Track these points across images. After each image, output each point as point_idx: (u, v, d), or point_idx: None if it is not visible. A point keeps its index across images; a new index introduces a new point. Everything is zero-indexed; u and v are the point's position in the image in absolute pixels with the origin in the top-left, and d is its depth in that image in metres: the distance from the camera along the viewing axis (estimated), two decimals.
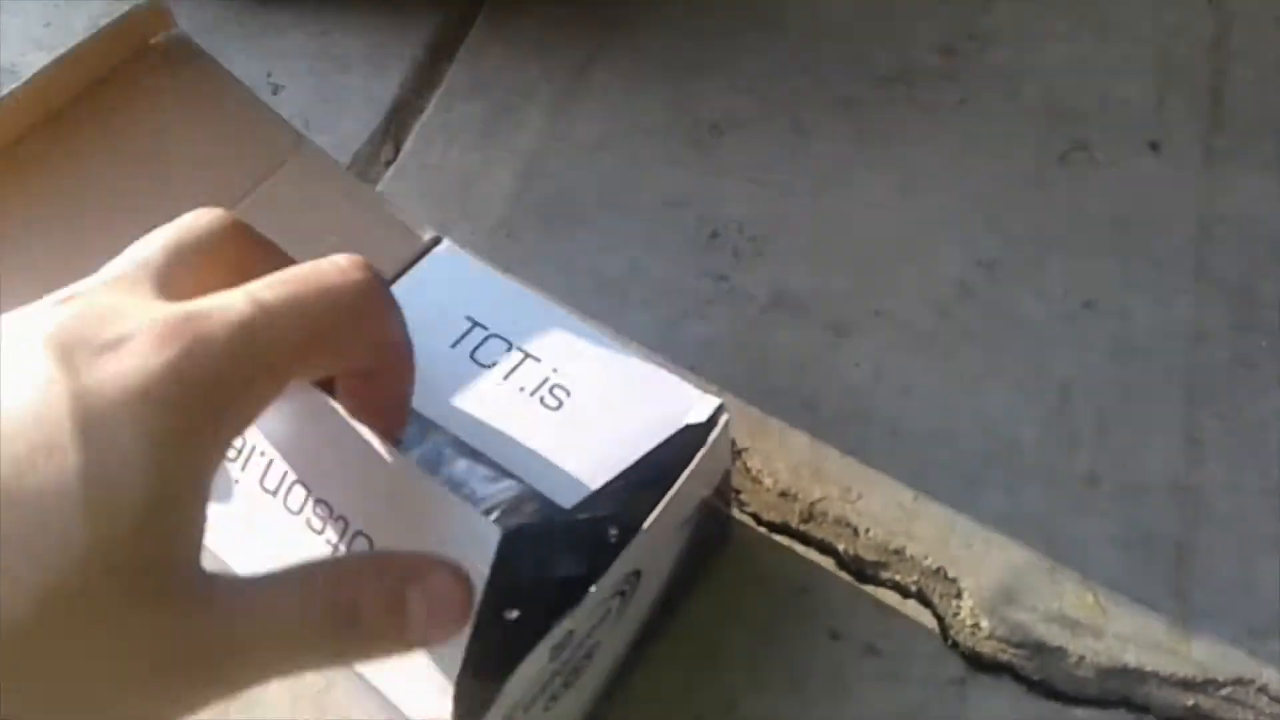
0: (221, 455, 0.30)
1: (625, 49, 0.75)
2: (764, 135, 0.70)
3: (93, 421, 0.27)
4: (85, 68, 0.50)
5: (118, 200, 0.48)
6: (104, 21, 0.82)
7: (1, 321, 0.30)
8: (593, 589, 0.40)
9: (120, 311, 0.30)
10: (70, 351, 0.28)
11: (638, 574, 0.44)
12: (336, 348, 0.33)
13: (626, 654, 0.49)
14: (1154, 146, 0.68)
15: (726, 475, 0.50)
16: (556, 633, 0.40)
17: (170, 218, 0.34)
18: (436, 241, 0.51)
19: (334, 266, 0.33)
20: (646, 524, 0.42)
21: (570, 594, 0.41)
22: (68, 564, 0.27)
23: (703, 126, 0.71)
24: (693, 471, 0.44)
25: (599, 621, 0.43)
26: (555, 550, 0.44)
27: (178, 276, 0.33)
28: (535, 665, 0.39)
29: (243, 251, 0.35)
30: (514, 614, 0.44)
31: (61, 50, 0.79)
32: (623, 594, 0.43)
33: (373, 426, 0.36)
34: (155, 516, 0.28)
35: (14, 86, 0.48)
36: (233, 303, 0.30)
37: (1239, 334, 0.60)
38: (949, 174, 0.68)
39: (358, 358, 0.35)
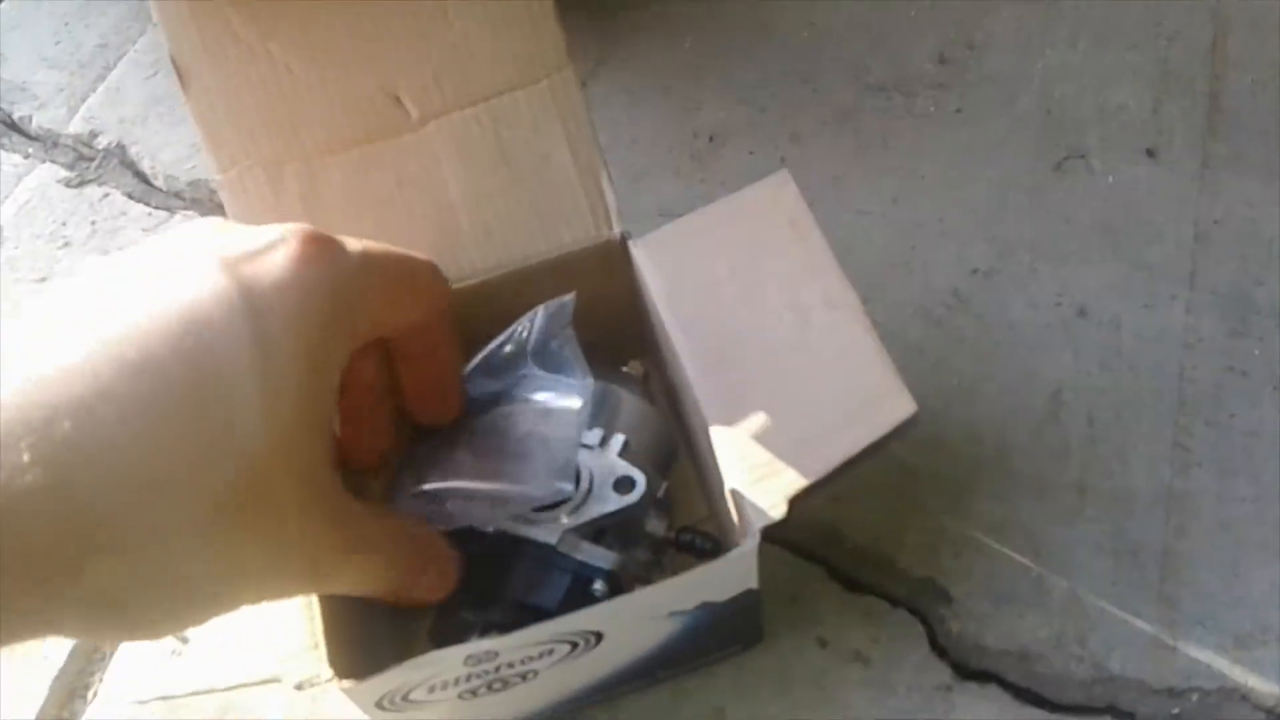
0: (344, 364, 0.36)
1: (624, 62, 0.76)
2: (760, 145, 0.71)
3: (256, 313, 0.32)
4: None
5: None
6: (114, 39, 0.84)
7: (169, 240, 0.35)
8: (521, 631, 0.41)
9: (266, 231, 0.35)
10: (232, 261, 0.33)
11: (599, 635, 0.44)
12: (411, 297, 0.40)
13: (592, 691, 0.50)
14: (1151, 153, 0.69)
15: (752, 593, 0.47)
16: (475, 647, 0.40)
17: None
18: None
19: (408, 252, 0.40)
20: (609, 600, 0.43)
21: (527, 619, 0.41)
22: (252, 466, 0.31)
23: (701, 137, 0.72)
24: (695, 575, 0.43)
25: (538, 656, 0.43)
26: (538, 576, 0.44)
27: None
28: (443, 662, 0.41)
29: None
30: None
31: (71, 68, 0.80)
32: (575, 645, 0.44)
33: (427, 408, 0.45)
34: (314, 412, 0.33)
35: None
36: (350, 241, 0.36)
37: (1232, 341, 0.61)
38: (944, 183, 0.68)
39: (420, 313, 0.41)
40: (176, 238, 0.35)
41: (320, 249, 0.34)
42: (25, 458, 0.27)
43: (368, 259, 0.36)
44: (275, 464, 0.31)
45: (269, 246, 0.34)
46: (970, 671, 0.53)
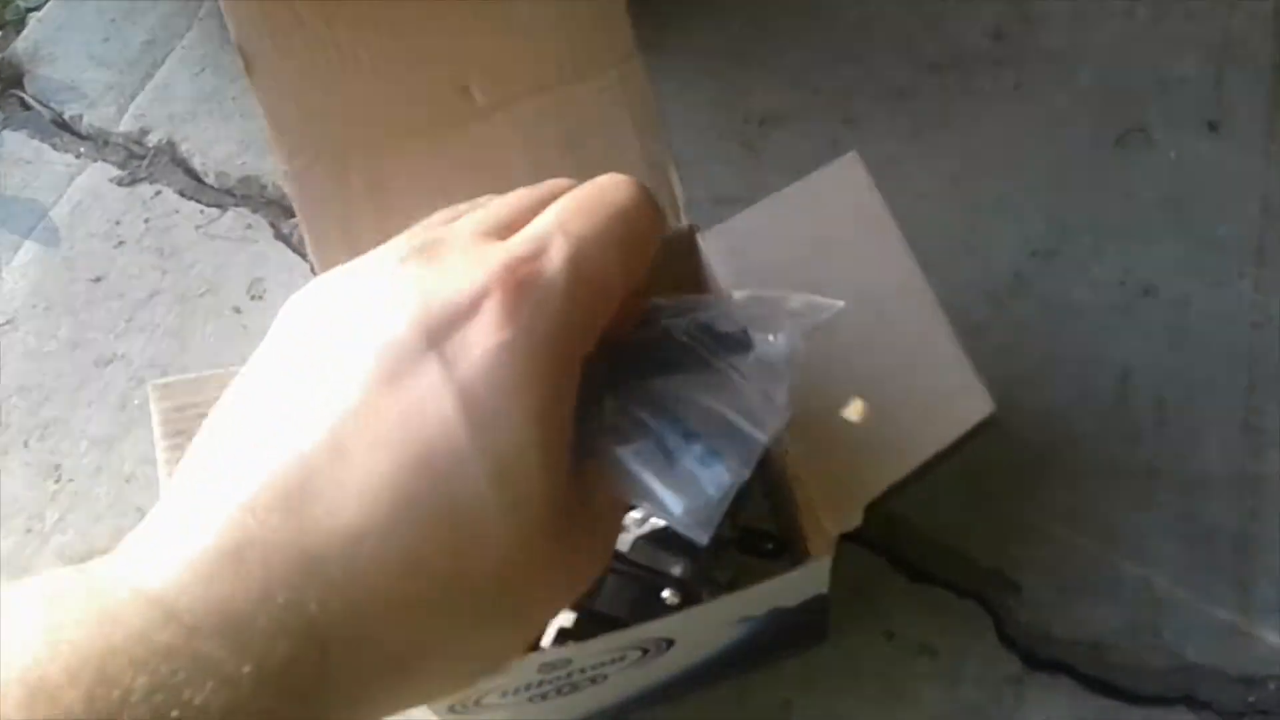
0: (578, 381, 0.32)
1: (676, 47, 0.75)
2: (814, 129, 0.70)
3: (478, 415, 0.29)
4: None
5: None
6: (161, 35, 0.84)
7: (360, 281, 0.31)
8: (595, 640, 0.41)
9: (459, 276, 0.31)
10: (437, 336, 0.29)
11: (669, 641, 0.43)
12: (643, 258, 0.34)
13: (657, 691, 0.50)
14: (1213, 126, 0.67)
15: (822, 597, 0.47)
16: (550, 655, 0.40)
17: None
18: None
19: (614, 184, 0.34)
20: (683, 610, 0.42)
21: (599, 626, 0.41)
22: (497, 568, 0.29)
23: (752, 123, 0.71)
24: (769, 585, 0.43)
25: (609, 662, 0.43)
26: (609, 584, 0.44)
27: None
28: (518, 671, 0.40)
29: None
30: None
31: (120, 66, 0.81)
32: (645, 651, 0.43)
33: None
34: (553, 487, 0.30)
35: None
36: (550, 239, 0.31)
37: None
38: (1003, 162, 0.67)
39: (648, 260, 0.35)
40: (366, 281, 0.31)
41: (523, 295, 0.30)
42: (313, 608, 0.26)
43: (577, 271, 0.31)
44: (520, 560, 0.30)
45: (471, 306, 0.30)
46: (1039, 662, 0.52)
